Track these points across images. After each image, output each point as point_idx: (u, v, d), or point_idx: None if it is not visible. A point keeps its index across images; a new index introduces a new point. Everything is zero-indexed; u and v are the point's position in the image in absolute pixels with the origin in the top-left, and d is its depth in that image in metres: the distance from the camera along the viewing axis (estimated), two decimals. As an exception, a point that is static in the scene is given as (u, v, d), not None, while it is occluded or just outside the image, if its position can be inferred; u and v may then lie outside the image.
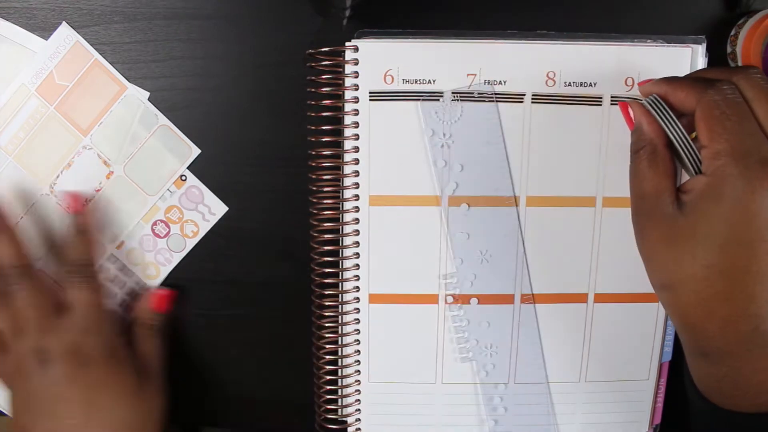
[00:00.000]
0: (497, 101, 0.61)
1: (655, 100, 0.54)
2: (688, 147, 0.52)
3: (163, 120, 0.66)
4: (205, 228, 0.68)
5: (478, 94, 0.61)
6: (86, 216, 0.66)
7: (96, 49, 0.65)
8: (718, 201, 0.48)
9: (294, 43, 0.64)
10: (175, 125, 0.66)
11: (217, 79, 0.65)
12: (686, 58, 0.61)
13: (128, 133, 0.66)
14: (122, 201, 0.67)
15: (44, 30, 0.65)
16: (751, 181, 0.46)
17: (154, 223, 0.68)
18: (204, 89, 0.66)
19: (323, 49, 0.61)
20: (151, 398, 0.65)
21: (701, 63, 0.62)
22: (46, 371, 0.60)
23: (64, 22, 0.64)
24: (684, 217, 0.50)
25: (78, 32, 0.65)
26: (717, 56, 0.64)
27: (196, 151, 0.66)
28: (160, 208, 0.68)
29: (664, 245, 0.51)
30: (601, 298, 0.66)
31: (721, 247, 0.48)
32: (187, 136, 0.66)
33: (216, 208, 0.68)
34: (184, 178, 0.67)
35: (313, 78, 0.62)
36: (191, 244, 0.69)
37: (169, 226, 0.68)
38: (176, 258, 0.69)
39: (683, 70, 0.61)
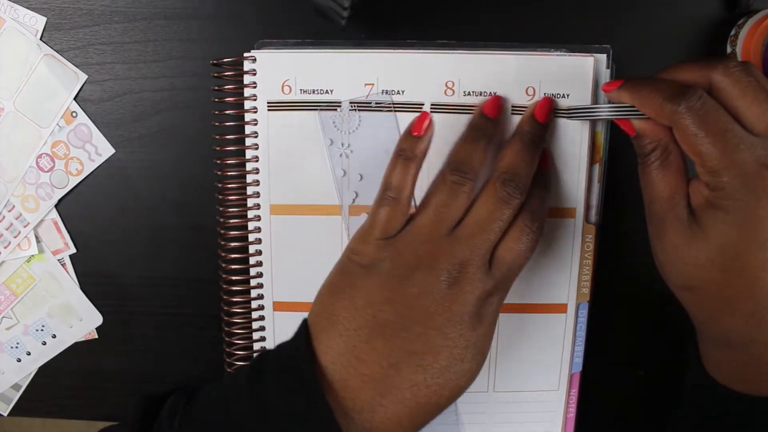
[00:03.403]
0: (395, 111, 0.54)
1: None
2: None
3: (46, 49, 0.60)
4: (89, 168, 0.62)
5: (376, 103, 0.55)
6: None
7: (96, 49, 0.60)
8: (726, 211, 0.43)
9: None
10: (173, 124, 0.61)
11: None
12: (588, 67, 0.54)
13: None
14: (16, 136, 0.61)
15: (46, 30, 0.60)
16: (754, 188, 0.42)
17: (39, 156, 0.62)
18: (204, 89, 0.59)
19: (225, 60, 0.55)
20: None
21: (604, 73, 0.54)
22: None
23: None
24: (697, 224, 0.45)
25: (78, 32, 0.60)
26: (717, 56, 0.57)
27: (82, 78, 0.60)
28: (48, 141, 0.61)
29: (681, 250, 0.46)
30: (506, 308, 0.57)
31: (737, 251, 0.43)
32: (188, 133, 0.61)
33: (103, 149, 0.61)
34: (74, 114, 0.61)
35: (217, 88, 0.56)
36: (74, 181, 0.62)
37: (53, 161, 0.62)
38: (57, 194, 0.62)
39: (585, 80, 0.54)
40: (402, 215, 0.49)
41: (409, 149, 0.50)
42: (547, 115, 0.53)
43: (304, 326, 0.49)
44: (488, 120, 0.52)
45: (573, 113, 0.52)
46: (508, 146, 0.51)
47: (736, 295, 0.44)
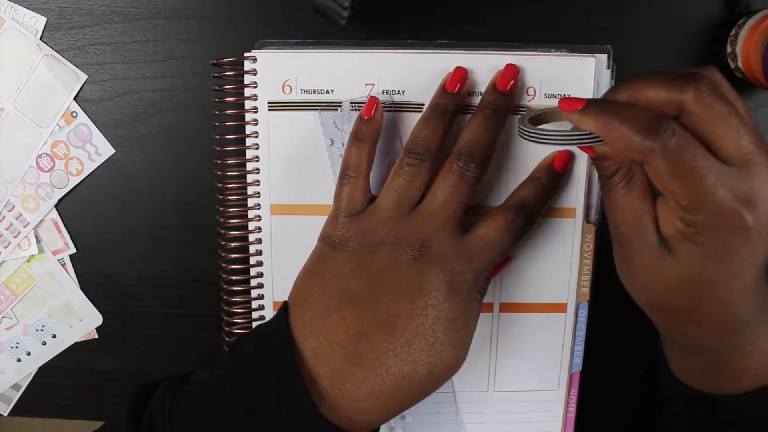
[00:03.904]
0: (396, 110, 0.53)
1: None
2: None
3: (46, 49, 0.59)
4: (89, 168, 0.61)
5: (376, 103, 0.53)
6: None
7: (96, 49, 0.59)
8: (701, 246, 0.42)
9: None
10: (173, 124, 0.60)
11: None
12: (590, 68, 0.53)
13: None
14: (16, 136, 0.61)
15: (46, 30, 0.59)
16: (730, 225, 0.40)
17: (39, 156, 0.61)
18: (204, 89, 0.58)
19: (226, 60, 0.54)
20: None
21: (605, 73, 0.54)
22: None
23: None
24: (668, 251, 0.43)
25: (78, 32, 0.59)
26: (717, 56, 0.57)
27: (82, 78, 0.60)
28: (48, 141, 0.61)
29: (650, 274, 0.45)
30: (506, 307, 0.57)
31: (709, 280, 0.43)
32: (188, 133, 0.60)
33: (103, 149, 0.61)
34: (74, 114, 0.60)
35: (217, 88, 0.55)
36: (74, 181, 0.62)
37: (53, 161, 0.61)
38: (57, 194, 0.62)
39: (587, 81, 0.53)
40: (362, 191, 0.50)
41: (361, 131, 0.50)
42: (509, 83, 0.52)
43: (284, 306, 0.49)
44: (450, 96, 0.51)
45: (526, 135, 0.48)
46: (469, 121, 0.50)
47: (704, 314, 0.44)
